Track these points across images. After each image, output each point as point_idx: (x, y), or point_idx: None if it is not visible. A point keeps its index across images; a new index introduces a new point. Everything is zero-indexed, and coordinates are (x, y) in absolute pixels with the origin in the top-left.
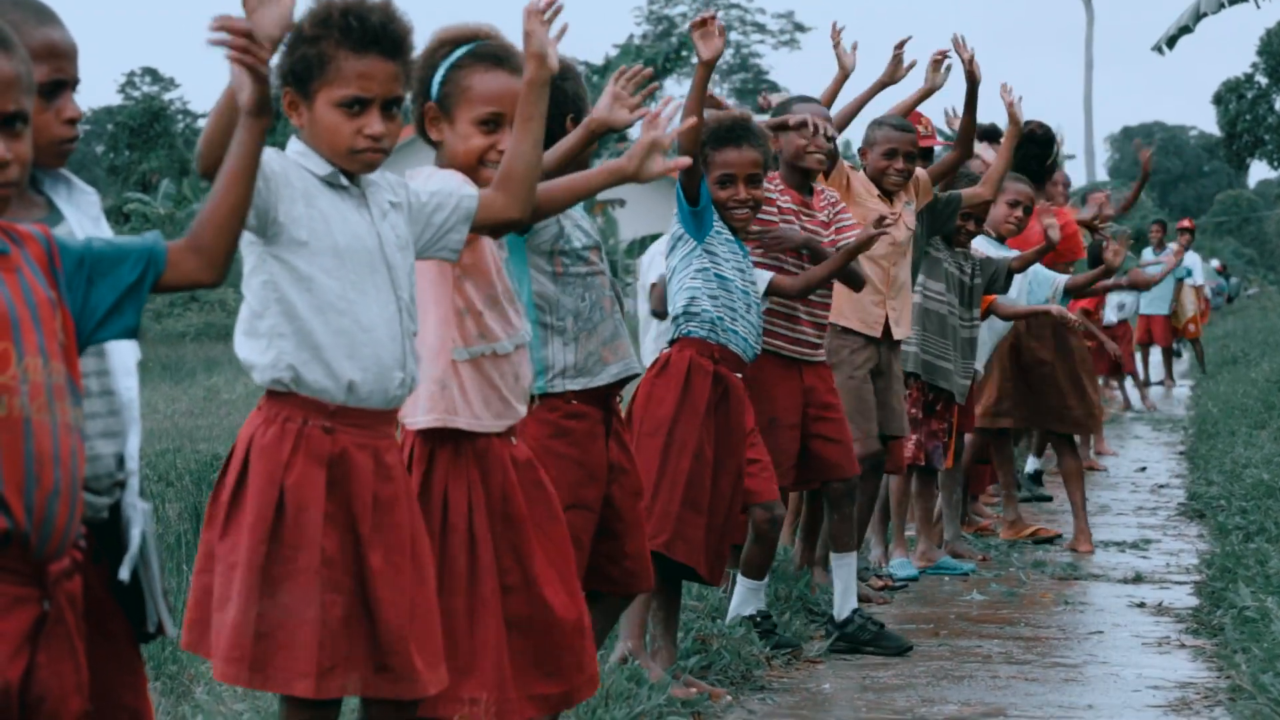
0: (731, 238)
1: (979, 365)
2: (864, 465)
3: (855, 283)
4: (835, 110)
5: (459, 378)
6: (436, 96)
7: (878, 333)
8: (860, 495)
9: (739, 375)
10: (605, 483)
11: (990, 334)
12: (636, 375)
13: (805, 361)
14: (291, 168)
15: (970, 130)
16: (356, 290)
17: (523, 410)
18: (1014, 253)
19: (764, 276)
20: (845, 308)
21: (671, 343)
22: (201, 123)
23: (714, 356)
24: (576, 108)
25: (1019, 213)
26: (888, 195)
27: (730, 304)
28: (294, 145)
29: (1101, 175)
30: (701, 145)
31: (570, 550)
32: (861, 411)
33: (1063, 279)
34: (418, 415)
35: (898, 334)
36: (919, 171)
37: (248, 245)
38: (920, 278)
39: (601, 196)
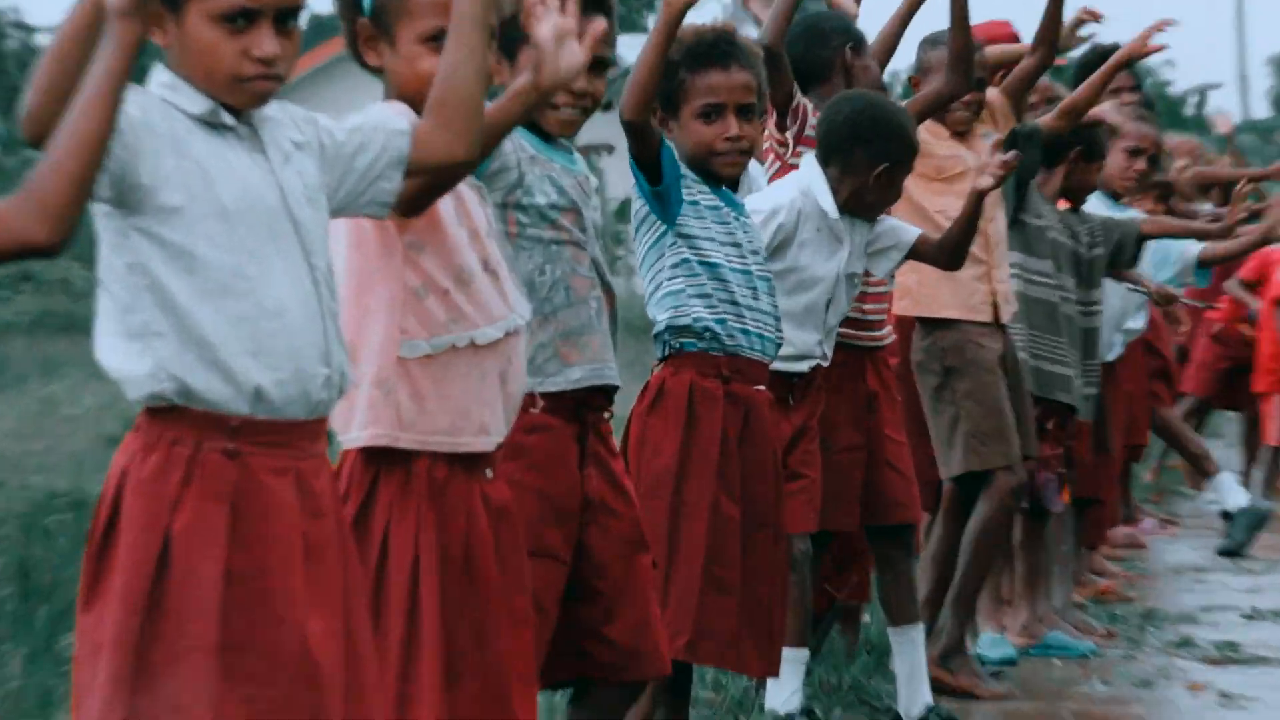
0: (713, 199)
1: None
2: (1009, 502)
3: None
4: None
5: (410, 380)
6: (369, 10)
7: (988, 315)
8: (998, 540)
9: (761, 387)
10: (579, 525)
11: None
12: (612, 387)
13: (869, 349)
14: (155, 109)
15: (1051, 31)
16: (255, 262)
17: (509, 423)
18: (1137, 214)
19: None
20: (942, 292)
21: (662, 361)
22: (41, 39)
23: (722, 374)
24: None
25: (1141, 163)
26: (959, 133)
27: (729, 297)
28: (160, 76)
29: (1260, 108)
30: (674, 69)
31: (530, 639)
32: (1001, 429)
33: (1195, 249)
34: (352, 429)
35: (1006, 314)
36: (991, 93)
37: (102, 217)
38: (1016, 256)
39: (583, 141)
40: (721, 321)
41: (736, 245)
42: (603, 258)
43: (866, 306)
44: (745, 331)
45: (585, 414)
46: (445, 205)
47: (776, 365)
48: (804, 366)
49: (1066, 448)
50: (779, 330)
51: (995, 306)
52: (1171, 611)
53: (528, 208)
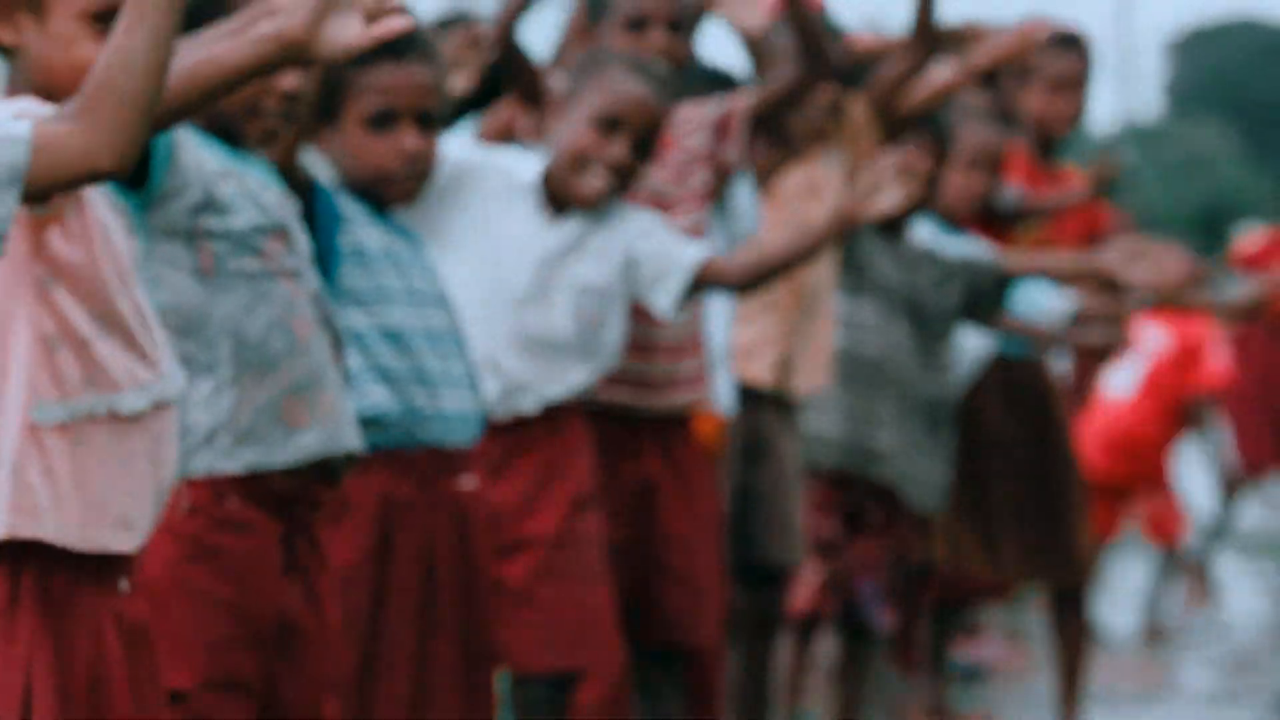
0: (382, 237)
1: None
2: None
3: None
4: None
5: (43, 453)
6: None
7: (765, 381)
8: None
9: (468, 477)
10: (271, 650)
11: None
12: (349, 455)
13: (647, 419)
14: None
15: (927, 20)
16: None
17: (151, 521)
18: (977, 247)
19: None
20: None
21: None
22: None
23: (422, 474)
24: None
25: (983, 177)
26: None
27: (416, 371)
28: None
29: (1147, 111)
30: (337, 71)
31: None
32: None
33: (1065, 303)
34: None
35: (803, 385)
36: (854, 102)
37: None
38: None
39: None
40: (411, 408)
41: (412, 292)
42: (325, 293)
43: (662, 358)
44: (443, 415)
45: (296, 509)
46: (96, 227)
47: None
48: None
49: (891, 546)
50: (480, 401)
51: (783, 375)
52: None
53: (224, 234)
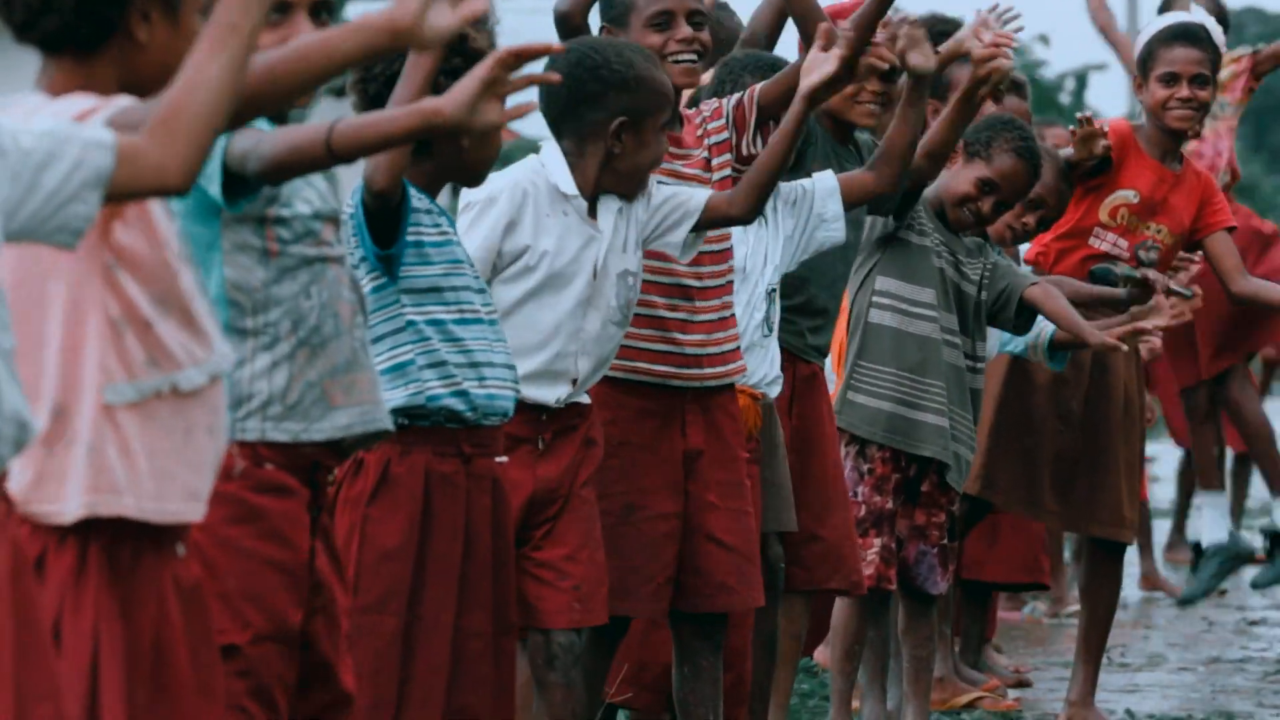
0: (440, 230)
1: None
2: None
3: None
4: None
5: (119, 433)
6: None
7: None
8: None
9: (500, 458)
10: (307, 606)
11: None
12: (381, 433)
13: (692, 390)
14: None
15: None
16: None
17: (210, 488)
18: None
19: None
20: None
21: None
22: None
23: (462, 451)
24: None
25: (1031, 219)
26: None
27: (468, 359)
28: None
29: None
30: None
31: None
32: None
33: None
34: (51, 500)
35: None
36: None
37: None
38: (890, 283)
39: None
40: (462, 394)
41: (464, 288)
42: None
43: (689, 337)
44: (490, 397)
45: (318, 475)
46: (157, 217)
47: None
48: (553, 398)
49: (948, 514)
50: (517, 382)
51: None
52: (1028, 717)
53: (289, 220)
